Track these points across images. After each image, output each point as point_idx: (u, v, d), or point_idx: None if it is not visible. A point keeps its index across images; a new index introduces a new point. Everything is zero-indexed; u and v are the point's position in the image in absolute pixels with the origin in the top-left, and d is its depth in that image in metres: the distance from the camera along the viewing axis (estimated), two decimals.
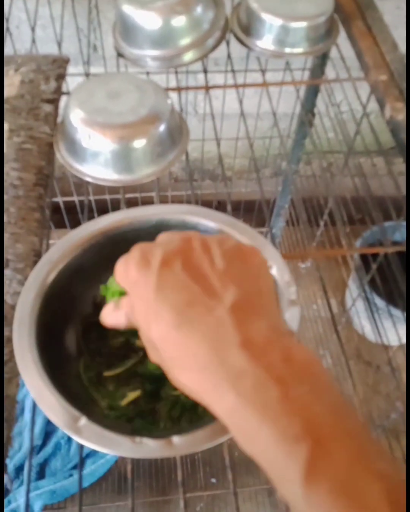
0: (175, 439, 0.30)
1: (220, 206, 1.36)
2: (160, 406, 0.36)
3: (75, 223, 0.41)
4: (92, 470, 0.95)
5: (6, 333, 0.37)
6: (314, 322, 1.20)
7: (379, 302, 1.08)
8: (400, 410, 0.58)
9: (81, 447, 0.39)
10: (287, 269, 0.37)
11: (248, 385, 0.25)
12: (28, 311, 0.34)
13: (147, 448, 0.30)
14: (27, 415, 0.98)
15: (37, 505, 0.90)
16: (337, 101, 0.83)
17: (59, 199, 0.97)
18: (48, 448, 0.95)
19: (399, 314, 1.08)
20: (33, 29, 0.72)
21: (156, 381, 0.37)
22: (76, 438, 0.30)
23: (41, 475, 0.93)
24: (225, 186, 0.57)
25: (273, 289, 0.30)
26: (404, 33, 1.11)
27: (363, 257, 1.15)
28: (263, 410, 0.24)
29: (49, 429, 0.99)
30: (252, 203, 1.19)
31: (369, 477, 0.22)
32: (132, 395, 0.37)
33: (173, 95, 0.53)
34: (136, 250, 0.30)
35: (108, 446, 0.30)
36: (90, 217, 0.42)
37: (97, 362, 0.38)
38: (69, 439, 0.98)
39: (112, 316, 0.33)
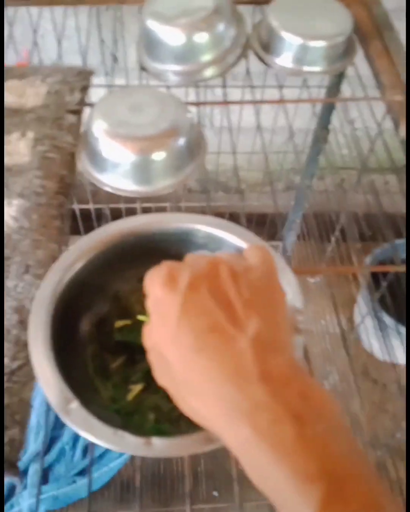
0: (155, 440, 0.31)
1: (232, 219, 1.37)
2: (161, 404, 0.37)
3: (89, 230, 0.42)
4: (95, 478, 0.95)
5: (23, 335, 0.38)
6: (321, 338, 1.20)
7: (388, 320, 1.07)
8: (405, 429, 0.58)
9: (91, 450, 0.39)
10: (300, 296, 0.37)
11: (264, 420, 0.25)
12: (49, 293, 0.36)
13: (125, 442, 0.31)
14: (33, 419, 0.99)
15: (39, 510, 0.90)
16: (351, 118, 0.84)
17: (76, 206, 0.99)
18: (53, 454, 0.95)
19: None
20: (59, 41, 0.74)
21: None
22: (63, 419, 0.31)
23: (44, 480, 0.94)
24: (241, 199, 0.57)
25: (288, 324, 0.30)
26: None
27: (373, 274, 1.16)
28: (278, 446, 0.24)
29: (54, 435, 0.99)
30: (263, 216, 1.20)
31: None
32: (136, 388, 0.38)
33: (192, 109, 0.55)
34: (163, 268, 0.30)
35: (90, 432, 0.31)
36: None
37: (103, 354, 0.39)
38: (74, 445, 0.98)
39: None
